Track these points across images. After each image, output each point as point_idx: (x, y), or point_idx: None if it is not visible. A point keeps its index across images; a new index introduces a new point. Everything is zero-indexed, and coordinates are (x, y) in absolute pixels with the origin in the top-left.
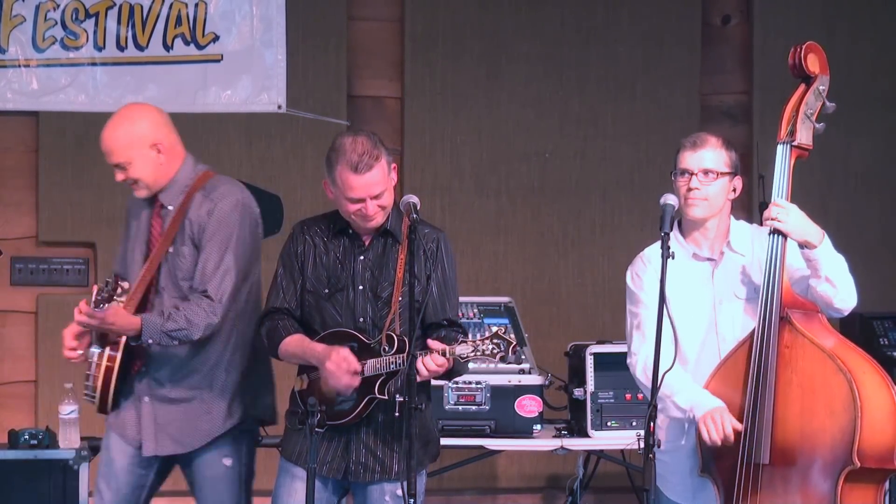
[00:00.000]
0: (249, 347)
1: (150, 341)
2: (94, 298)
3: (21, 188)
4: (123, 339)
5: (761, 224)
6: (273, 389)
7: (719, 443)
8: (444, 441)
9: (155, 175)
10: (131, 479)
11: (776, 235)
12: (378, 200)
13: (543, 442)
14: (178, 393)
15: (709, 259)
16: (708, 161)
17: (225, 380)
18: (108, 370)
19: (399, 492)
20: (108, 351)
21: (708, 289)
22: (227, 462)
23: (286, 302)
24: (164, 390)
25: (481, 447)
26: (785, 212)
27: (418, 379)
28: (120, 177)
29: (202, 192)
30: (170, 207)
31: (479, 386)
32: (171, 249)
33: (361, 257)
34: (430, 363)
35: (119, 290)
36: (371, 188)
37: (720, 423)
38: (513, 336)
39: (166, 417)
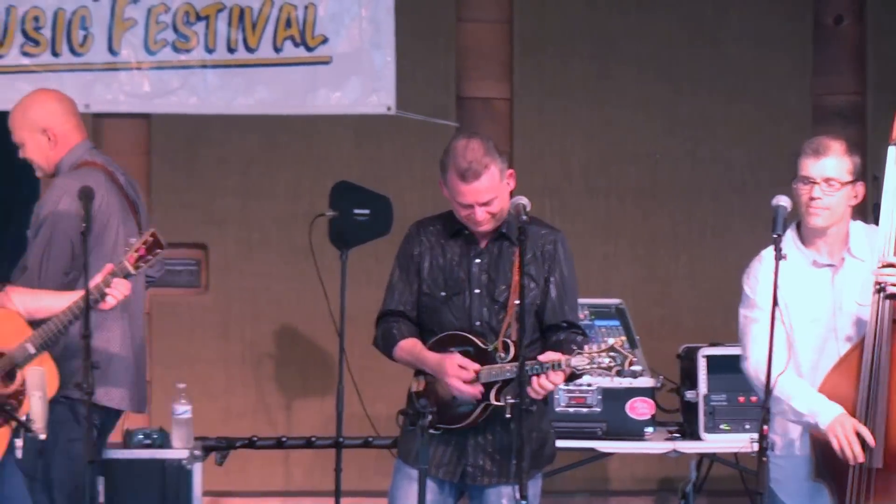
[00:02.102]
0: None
1: None
2: None
3: None
4: None
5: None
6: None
7: (859, 461)
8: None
9: (45, 158)
10: None
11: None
12: (487, 207)
13: (655, 444)
14: None
15: (829, 265)
16: (830, 170)
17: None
18: None
19: (517, 495)
20: None
21: (828, 295)
22: None
23: (401, 304)
24: None
25: (592, 449)
26: None
27: (535, 396)
28: (21, 154)
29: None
30: None
31: (590, 388)
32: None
33: (477, 260)
34: (546, 383)
35: None
36: (479, 195)
37: (853, 439)
38: (629, 350)
39: None
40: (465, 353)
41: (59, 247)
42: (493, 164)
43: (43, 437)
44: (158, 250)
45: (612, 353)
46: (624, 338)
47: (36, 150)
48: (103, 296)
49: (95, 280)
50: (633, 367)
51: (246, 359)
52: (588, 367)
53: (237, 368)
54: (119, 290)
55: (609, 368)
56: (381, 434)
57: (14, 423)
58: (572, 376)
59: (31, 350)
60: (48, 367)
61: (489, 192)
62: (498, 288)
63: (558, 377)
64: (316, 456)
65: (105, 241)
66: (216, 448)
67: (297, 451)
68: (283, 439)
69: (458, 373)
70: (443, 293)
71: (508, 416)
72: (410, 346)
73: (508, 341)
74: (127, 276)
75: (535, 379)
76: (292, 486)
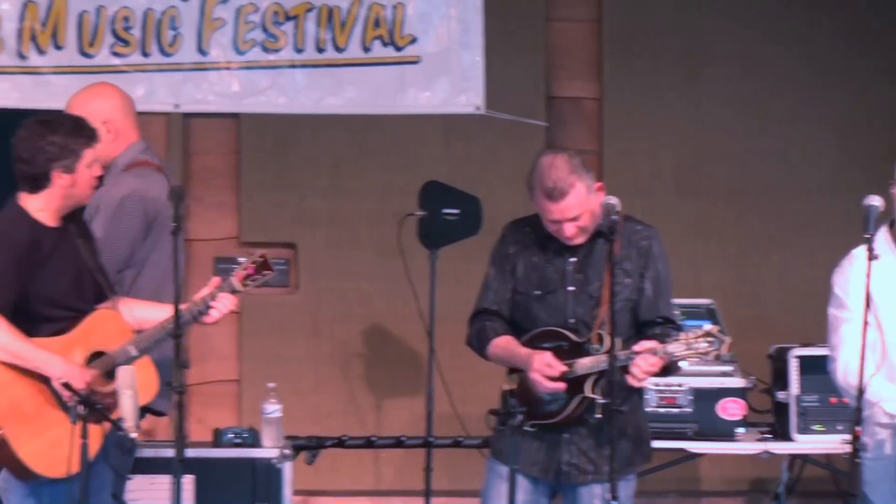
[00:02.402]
0: None
1: None
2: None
3: (223, 189)
4: None
5: None
6: None
7: None
8: None
9: (103, 151)
10: None
11: None
12: (575, 222)
13: (746, 445)
14: None
15: None
16: None
17: None
18: None
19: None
20: None
21: None
22: None
23: (495, 303)
24: None
25: (683, 450)
26: None
27: (635, 384)
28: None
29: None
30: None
31: (680, 388)
32: None
33: (571, 258)
34: (642, 364)
35: None
36: (565, 212)
37: None
38: (725, 335)
39: None
40: (559, 349)
41: (115, 245)
42: (579, 182)
43: (133, 435)
44: (267, 272)
45: (708, 338)
46: (718, 326)
47: None
48: (208, 308)
49: (202, 293)
50: (731, 350)
51: (335, 358)
52: (685, 352)
53: (327, 368)
54: (224, 305)
55: (706, 353)
56: (470, 434)
57: (105, 422)
58: (669, 369)
59: (133, 352)
60: (148, 371)
61: (576, 209)
62: (591, 284)
63: (653, 359)
64: (406, 455)
65: (167, 244)
66: (306, 447)
67: (387, 451)
68: (373, 439)
69: (543, 368)
70: (537, 291)
71: (599, 416)
72: (504, 342)
73: (603, 333)
74: (233, 292)
75: (633, 366)
76: (382, 486)
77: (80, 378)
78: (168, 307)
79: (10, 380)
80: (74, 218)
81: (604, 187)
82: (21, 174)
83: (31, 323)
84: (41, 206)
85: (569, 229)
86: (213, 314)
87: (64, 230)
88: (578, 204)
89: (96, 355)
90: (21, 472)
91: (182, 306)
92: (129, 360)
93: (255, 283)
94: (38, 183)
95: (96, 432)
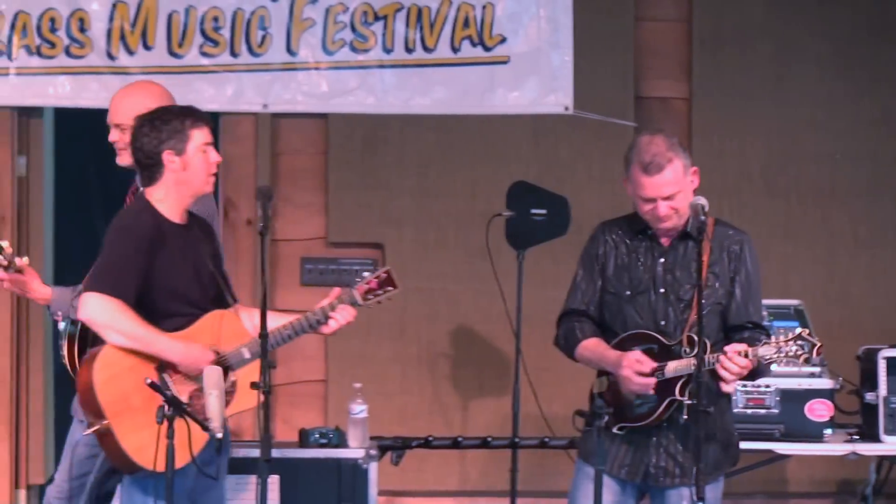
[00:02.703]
0: None
1: (59, 311)
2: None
3: (311, 189)
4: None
5: None
6: None
7: None
8: None
9: None
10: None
11: None
12: (670, 202)
13: (834, 446)
14: None
15: None
16: None
17: None
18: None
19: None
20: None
21: None
22: None
23: (584, 303)
24: None
25: (770, 451)
26: None
27: (724, 387)
28: (114, 136)
29: None
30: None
31: (768, 390)
32: None
33: (662, 259)
34: (731, 366)
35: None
36: (661, 189)
37: None
38: (816, 338)
39: None
40: (649, 351)
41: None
42: (677, 159)
43: (219, 435)
44: (389, 288)
45: (799, 342)
46: (808, 329)
47: None
48: (326, 318)
49: (322, 303)
50: (821, 354)
51: (422, 359)
52: (775, 355)
53: (413, 368)
54: (343, 316)
55: (797, 356)
56: (556, 434)
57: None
58: (759, 372)
59: (246, 355)
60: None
61: (672, 186)
62: (682, 287)
63: (743, 361)
64: (491, 456)
65: None
66: (392, 447)
67: (473, 451)
68: (459, 439)
69: (634, 364)
70: (627, 292)
71: (685, 417)
72: (593, 345)
73: (693, 336)
74: (353, 304)
75: (720, 365)
76: (468, 486)
77: (200, 361)
78: (286, 315)
79: (122, 371)
80: (199, 221)
81: (698, 172)
82: (138, 164)
83: (152, 316)
84: (162, 197)
85: (663, 208)
86: (332, 324)
87: (188, 228)
88: (675, 181)
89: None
90: (125, 464)
91: (301, 315)
92: (242, 363)
93: (376, 297)
94: (152, 171)
95: (200, 437)
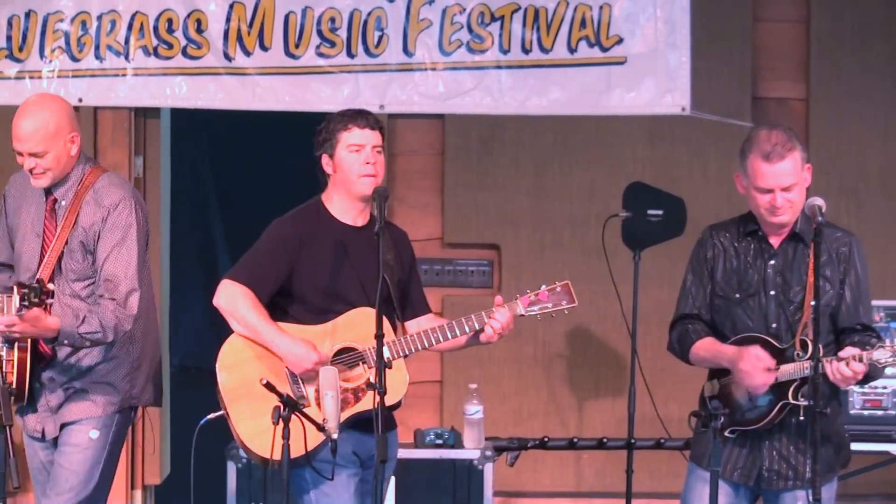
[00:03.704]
0: (140, 339)
1: (66, 342)
2: (17, 304)
3: (427, 190)
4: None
5: None
6: (156, 374)
7: None
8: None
9: (63, 167)
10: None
11: None
12: (787, 194)
13: None
14: (79, 384)
15: None
16: None
17: (116, 372)
18: (22, 364)
19: (810, 498)
20: (17, 346)
21: None
22: (94, 435)
23: (695, 307)
24: (66, 382)
25: (888, 453)
26: None
27: (842, 386)
28: (29, 164)
29: (93, 195)
30: (63, 203)
31: (884, 391)
32: (64, 250)
33: (772, 262)
34: (845, 370)
35: (47, 293)
36: (780, 178)
37: None
38: None
39: (59, 402)
40: None
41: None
42: (797, 150)
43: (335, 436)
44: (564, 303)
45: None
46: None
47: (59, 159)
48: (483, 325)
49: (483, 314)
50: None
51: (538, 359)
52: (890, 359)
53: (529, 369)
54: (499, 324)
55: None
56: (672, 436)
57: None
58: (871, 376)
59: (385, 354)
60: (401, 375)
61: (791, 177)
62: (793, 289)
63: (858, 366)
64: (607, 457)
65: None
66: (508, 448)
67: (589, 452)
68: (575, 440)
69: (754, 360)
70: (737, 295)
71: (801, 417)
72: (709, 343)
73: (806, 339)
74: (516, 315)
75: (830, 367)
76: (583, 487)
77: (302, 360)
78: (440, 320)
79: (247, 358)
80: (390, 226)
81: (811, 169)
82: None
83: (307, 312)
84: (329, 199)
85: (780, 199)
86: (488, 331)
87: (362, 230)
88: (794, 171)
89: (346, 350)
90: (244, 450)
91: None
92: (381, 365)
93: (543, 310)
94: (322, 175)
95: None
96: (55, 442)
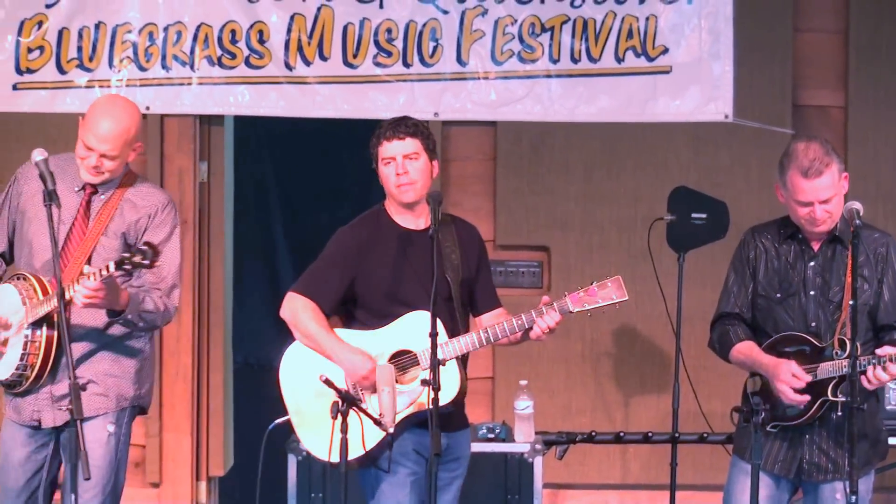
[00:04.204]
0: (147, 342)
1: (129, 317)
2: (111, 270)
3: (480, 195)
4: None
5: None
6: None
7: None
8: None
9: (120, 171)
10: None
11: None
12: (826, 206)
13: None
14: (90, 376)
15: None
16: None
17: (126, 370)
18: (49, 343)
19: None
20: (45, 326)
21: None
22: (111, 429)
23: (736, 307)
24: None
25: None
26: None
27: (869, 387)
28: (93, 161)
29: (133, 193)
30: (102, 197)
31: None
32: (102, 240)
33: (811, 263)
34: (881, 374)
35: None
36: (819, 193)
37: None
38: None
39: (62, 393)
40: (800, 353)
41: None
42: (834, 164)
43: (391, 430)
44: (614, 297)
45: None
46: None
47: (122, 164)
48: (532, 323)
49: (532, 312)
50: None
51: (586, 357)
52: None
53: (577, 366)
54: (546, 322)
55: None
56: (715, 430)
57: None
58: None
59: (442, 356)
60: (454, 373)
61: (829, 190)
62: (832, 289)
63: (894, 368)
64: (652, 451)
65: None
66: (557, 442)
67: (635, 446)
68: (622, 434)
69: (790, 380)
70: (778, 294)
71: (839, 413)
72: (746, 348)
73: (844, 339)
74: (563, 311)
75: (870, 369)
76: (629, 480)
77: (358, 369)
78: (507, 316)
79: (308, 367)
80: (462, 227)
81: (848, 178)
82: None
83: (371, 316)
84: (389, 204)
85: (819, 212)
86: (536, 331)
87: (422, 233)
88: (832, 185)
89: (401, 354)
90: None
91: (507, 319)
92: (436, 363)
93: (591, 305)
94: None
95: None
96: (57, 436)
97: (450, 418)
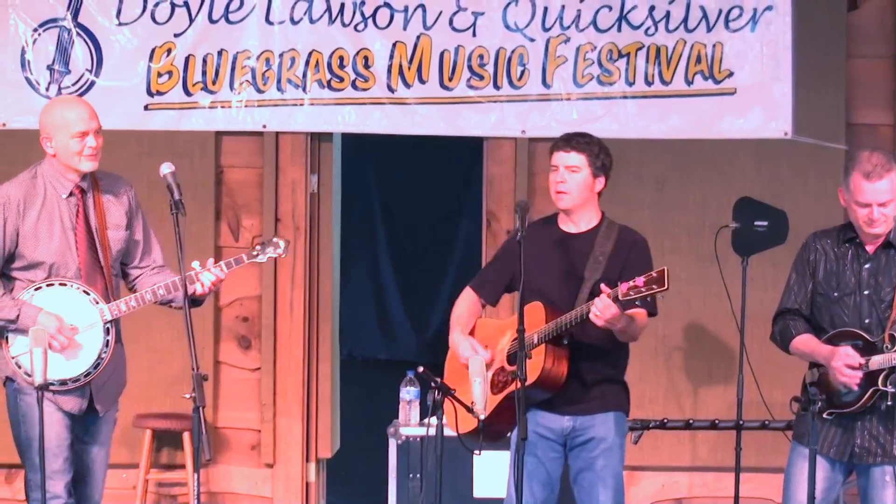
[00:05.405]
0: None
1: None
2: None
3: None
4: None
5: None
6: None
7: None
8: None
9: None
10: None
11: None
12: (883, 209)
13: None
14: (115, 369)
15: None
16: None
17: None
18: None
19: None
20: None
21: None
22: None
23: (797, 304)
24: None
25: None
26: None
27: None
28: (93, 142)
29: (105, 183)
30: (90, 195)
31: None
32: (110, 234)
33: (867, 265)
34: None
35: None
36: (878, 195)
37: None
38: None
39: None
40: (854, 347)
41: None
42: (894, 171)
43: (483, 417)
44: (655, 287)
45: None
46: None
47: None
48: (587, 314)
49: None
50: None
51: (658, 351)
52: None
53: (650, 360)
54: (604, 313)
55: None
56: (776, 418)
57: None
58: None
59: (534, 340)
60: (539, 359)
61: (887, 194)
62: (884, 290)
63: None
64: (719, 436)
65: None
66: (632, 428)
67: (703, 432)
68: (691, 421)
69: (845, 358)
70: (835, 293)
71: (889, 402)
72: (806, 340)
73: (894, 334)
74: (616, 300)
75: None
76: (698, 462)
77: (461, 357)
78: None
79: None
80: (626, 234)
81: None
82: None
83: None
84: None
85: (876, 213)
86: (591, 315)
87: (577, 236)
88: (890, 189)
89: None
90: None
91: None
92: (531, 346)
93: (638, 294)
94: None
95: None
96: (83, 422)
97: (576, 401)
